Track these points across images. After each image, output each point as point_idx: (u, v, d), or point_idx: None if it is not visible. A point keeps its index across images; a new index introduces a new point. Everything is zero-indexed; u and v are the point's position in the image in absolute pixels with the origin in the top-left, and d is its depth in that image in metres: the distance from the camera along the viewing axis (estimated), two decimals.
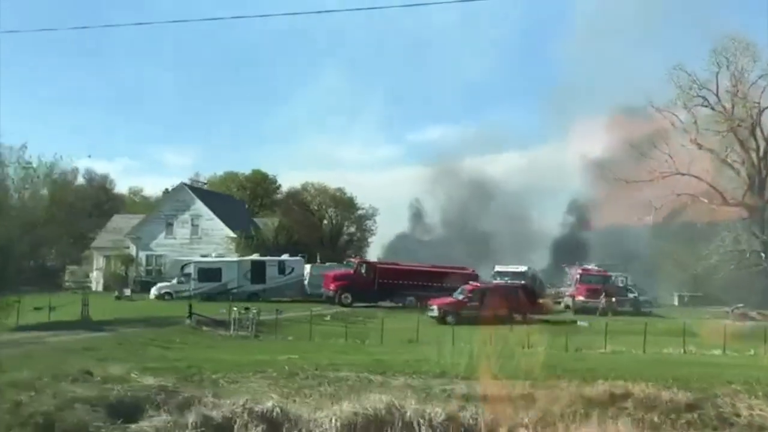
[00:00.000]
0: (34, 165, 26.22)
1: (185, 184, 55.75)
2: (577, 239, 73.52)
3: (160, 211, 52.79)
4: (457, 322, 28.32)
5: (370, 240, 73.51)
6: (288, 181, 73.21)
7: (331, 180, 70.70)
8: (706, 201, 46.88)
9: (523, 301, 32.10)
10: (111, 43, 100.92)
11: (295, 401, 14.51)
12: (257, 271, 43.87)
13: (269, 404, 12.92)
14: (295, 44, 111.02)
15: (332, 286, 39.78)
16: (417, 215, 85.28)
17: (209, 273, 43.23)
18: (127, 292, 44.13)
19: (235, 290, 42.58)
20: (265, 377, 17.46)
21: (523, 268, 49.38)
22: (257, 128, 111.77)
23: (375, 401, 13.00)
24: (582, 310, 37.84)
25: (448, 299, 32.08)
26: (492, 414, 13.87)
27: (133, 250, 51.02)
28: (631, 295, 40.08)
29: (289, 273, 44.59)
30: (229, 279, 43.30)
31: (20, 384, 13.71)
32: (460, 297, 31.96)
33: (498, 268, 48.47)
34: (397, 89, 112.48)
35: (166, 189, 58.97)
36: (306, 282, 44.88)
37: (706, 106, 45.65)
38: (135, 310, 30.62)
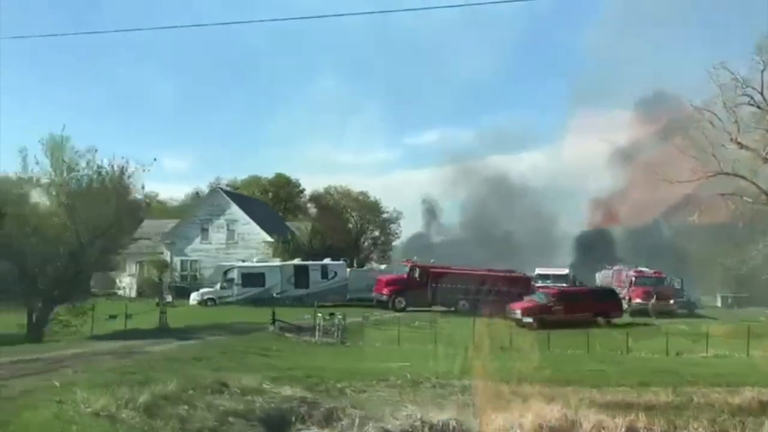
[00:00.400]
0: (106, 168, 25.42)
1: (220, 188, 54.82)
2: (603, 239, 73.03)
3: (195, 215, 51.79)
4: (540, 327, 27.76)
5: (393, 243, 72.71)
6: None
7: (333, 182, 70.15)
8: (750, 201, 46.29)
9: (607, 305, 31.59)
10: (106, 47, 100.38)
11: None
12: (300, 275, 43.07)
13: (444, 416, 12.29)
14: (291, 47, 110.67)
15: (385, 291, 39.09)
16: (431, 212, 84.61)
17: (253, 278, 42.39)
18: (168, 298, 43.14)
19: (278, 295, 41.92)
20: (390, 386, 16.97)
21: (565, 271, 48.97)
22: (254, 133, 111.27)
23: (553, 412, 12.36)
24: (638, 312, 37.30)
25: (531, 303, 31.53)
26: (665, 424, 13.30)
27: (167, 255, 50.01)
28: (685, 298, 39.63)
29: (332, 277, 43.85)
30: (273, 284, 42.49)
31: (170, 397, 13.02)
32: (544, 301, 31.40)
33: (539, 271, 47.87)
34: (398, 91, 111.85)
35: (196, 193, 58.07)
36: None
37: (752, 105, 45.18)
38: (198, 317, 29.79)
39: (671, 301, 37.31)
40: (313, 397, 15.04)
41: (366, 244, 70.01)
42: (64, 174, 24.82)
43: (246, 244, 49.83)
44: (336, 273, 44.00)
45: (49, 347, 19.75)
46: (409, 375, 17.45)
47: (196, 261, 50.28)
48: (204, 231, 50.46)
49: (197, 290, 43.38)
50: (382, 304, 38.53)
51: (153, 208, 70.46)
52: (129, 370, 15.01)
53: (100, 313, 26.19)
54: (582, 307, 30.32)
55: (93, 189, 25.30)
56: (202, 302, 41.43)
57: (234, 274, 42.46)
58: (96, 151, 25.43)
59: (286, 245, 48.97)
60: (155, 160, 26.49)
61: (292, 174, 71.40)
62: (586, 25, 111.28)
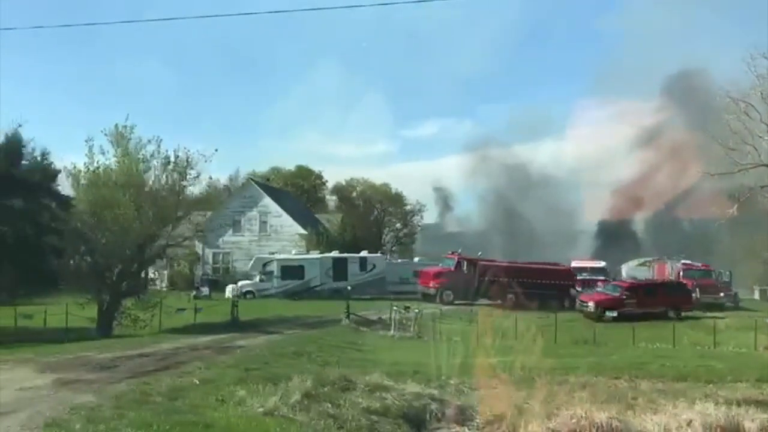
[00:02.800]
0: (172, 159, 24.80)
1: (252, 180, 54.17)
2: (626, 230, 72.55)
3: (227, 207, 51.20)
4: (614, 319, 27.39)
5: (415, 236, 72.15)
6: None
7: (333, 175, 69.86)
8: None
9: (679, 298, 31.26)
10: (103, 39, 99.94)
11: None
12: (339, 268, 42.60)
13: (603, 416, 11.80)
14: (287, 41, 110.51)
15: (432, 284, 38.55)
16: (444, 201, 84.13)
17: (292, 270, 41.94)
18: (205, 290, 42.64)
19: (317, 288, 41.47)
20: (502, 382, 16.43)
21: (602, 263, 48.55)
22: (250, 124, 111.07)
23: (710, 411, 11.93)
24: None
25: (604, 296, 31.17)
26: None
27: (198, 247, 49.31)
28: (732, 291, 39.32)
29: (371, 270, 43.40)
30: (312, 276, 42.08)
31: (312, 395, 12.50)
32: (616, 294, 31.03)
33: (575, 263, 47.45)
34: (402, 84, 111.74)
35: (226, 186, 57.40)
36: None
37: None
38: (256, 310, 29.18)
39: (721, 294, 36.97)
40: (438, 394, 14.54)
41: (389, 236, 69.52)
42: (131, 164, 24.18)
43: (278, 236, 49.36)
44: (374, 265, 43.58)
45: (137, 342, 19.17)
46: (520, 371, 16.86)
47: (228, 253, 49.76)
48: (236, 223, 49.90)
49: (231, 283, 42.85)
50: (428, 297, 37.96)
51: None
52: (248, 366, 14.47)
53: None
54: (654, 300, 30.05)
55: (160, 178, 24.67)
56: (240, 295, 40.76)
57: (273, 267, 41.98)
58: (161, 140, 24.85)
59: (320, 237, 48.43)
60: (216, 150, 25.79)
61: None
62: (608, 10, 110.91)
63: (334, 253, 44.06)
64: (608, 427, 11.69)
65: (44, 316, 22.31)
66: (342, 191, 68.86)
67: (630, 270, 50.32)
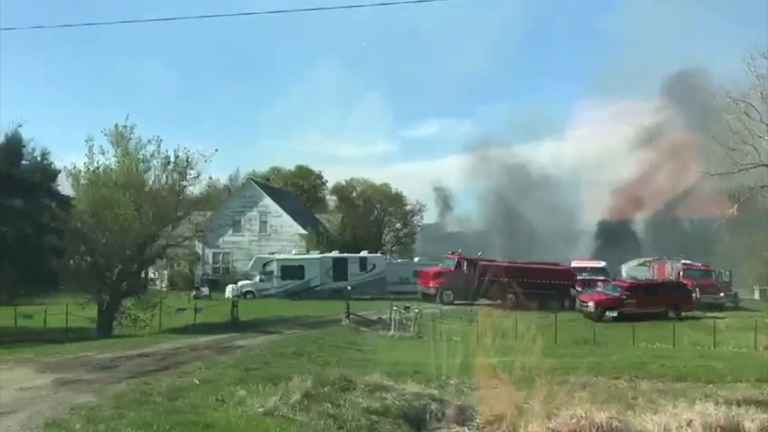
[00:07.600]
0: (172, 159, 24.79)
1: (252, 180, 54.11)
2: (625, 230, 72.58)
3: (227, 207, 51.19)
4: (614, 319, 27.40)
5: (415, 236, 72.12)
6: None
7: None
8: None
9: (679, 298, 31.29)
10: (103, 39, 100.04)
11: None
12: (339, 268, 42.59)
13: (603, 416, 11.80)
14: (287, 41, 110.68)
15: (432, 284, 38.54)
16: (444, 201, 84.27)
17: (292, 271, 41.93)
18: (205, 291, 42.65)
19: (317, 288, 41.45)
20: (502, 382, 16.43)
21: (602, 263, 48.57)
22: (249, 124, 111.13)
23: (718, 412, 11.92)
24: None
25: (604, 296, 31.19)
26: None
27: (198, 247, 49.26)
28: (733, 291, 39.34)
29: (371, 270, 43.39)
30: (312, 276, 42.07)
31: (312, 395, 12.51)
32: (616, 294, 31.06)
33: (575, 264, 47.46)
34: (402, 84, 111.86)
35: (226, 186, 57.40)
36: None
37: None
38: (256, 310, 29.16)
39: (721, 294, 36.99)
40: (438, 394, 14.55)
41: (389, 236, 69.51)
42: (131, 164, 24.18)
43: (278, 236, 49.34)
44: (374, 265, 43.57)
45: (137, 342, 19.16)
46: (521, 372, 16.86)
47: (228, 253, 49.74)
48: (236, 223, 49.89)
49: (231, 283, 42.84)
50: (428, 297, 37.96)
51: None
52: (248, 366, 14.47)
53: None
54: (654, 300, 30.11)
55: (160, 178, 24.69)
56: (240, 295, 40.70)
57: (273, 267, 41.97)
58: (161, 140, 24.85)
59: (320, 237, 48.43)
60: (216, 150, 25.80)
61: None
62: (608, 10, 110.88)
63: (334, 253, 44.06)
64: (608, 427, 11.69)
65: (44, 316, 22.28)
66: (342, 191, 68.84)
67: (630, 270, 50.32)
